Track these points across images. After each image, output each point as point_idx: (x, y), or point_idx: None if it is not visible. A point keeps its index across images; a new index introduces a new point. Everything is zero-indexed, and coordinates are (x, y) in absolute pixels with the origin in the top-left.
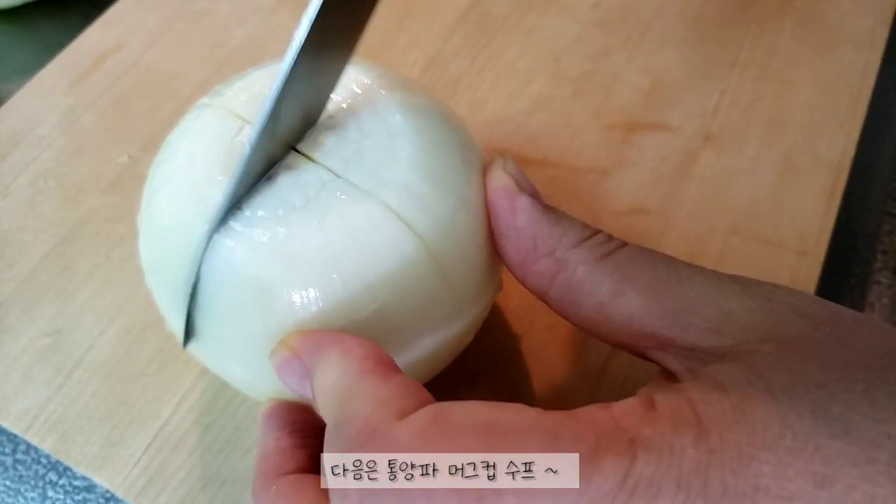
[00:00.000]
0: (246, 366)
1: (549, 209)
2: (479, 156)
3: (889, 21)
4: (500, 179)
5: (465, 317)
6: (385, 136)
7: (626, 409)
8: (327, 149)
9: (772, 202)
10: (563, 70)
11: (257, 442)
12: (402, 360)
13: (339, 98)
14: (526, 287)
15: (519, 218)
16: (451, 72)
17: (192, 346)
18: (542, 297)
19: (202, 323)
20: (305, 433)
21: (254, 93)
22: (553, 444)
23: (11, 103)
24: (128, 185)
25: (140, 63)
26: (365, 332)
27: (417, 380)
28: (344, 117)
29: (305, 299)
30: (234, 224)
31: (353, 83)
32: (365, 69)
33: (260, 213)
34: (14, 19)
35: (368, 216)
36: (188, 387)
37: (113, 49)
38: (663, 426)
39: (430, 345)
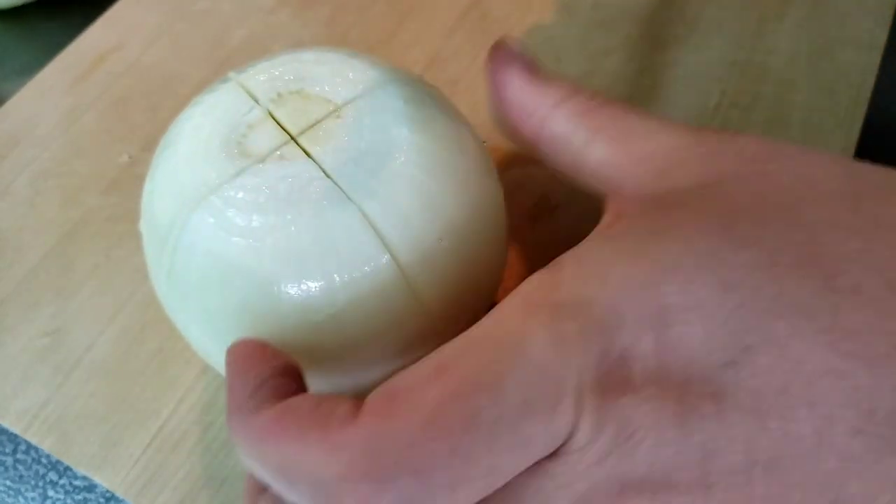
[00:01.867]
0: (209, 338)
1: (539, 74)
2: (487, 180)
3: (889, 21)
4: (498, 48)
5: (445, 337)
6: (386, 146)
7: (532, 284)
8: (326, 146)
9: None
10: (563, 70)
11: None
12: (367, 378)
13: (354, 95)
14: (519, 145)
15: (509, 89)
16: (451, 72)
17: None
18: (532, 153)
19: (176, 284)
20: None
21: (272, 75)
22: (494, 344)
23: (11, 103)
24: (128, 185)
25: (140, 63)
26: (320, 336)
27: None
28: (352, 117)
29: (264, 289)
30: (215, 199)
31: (375, 84)
32: (394, 74)
33: (241, 195)
34: (14, 19)
35: (344, 222)
36: (188, 386)
37: (113, 49)
38: (568, 283)
39: (400, 366)
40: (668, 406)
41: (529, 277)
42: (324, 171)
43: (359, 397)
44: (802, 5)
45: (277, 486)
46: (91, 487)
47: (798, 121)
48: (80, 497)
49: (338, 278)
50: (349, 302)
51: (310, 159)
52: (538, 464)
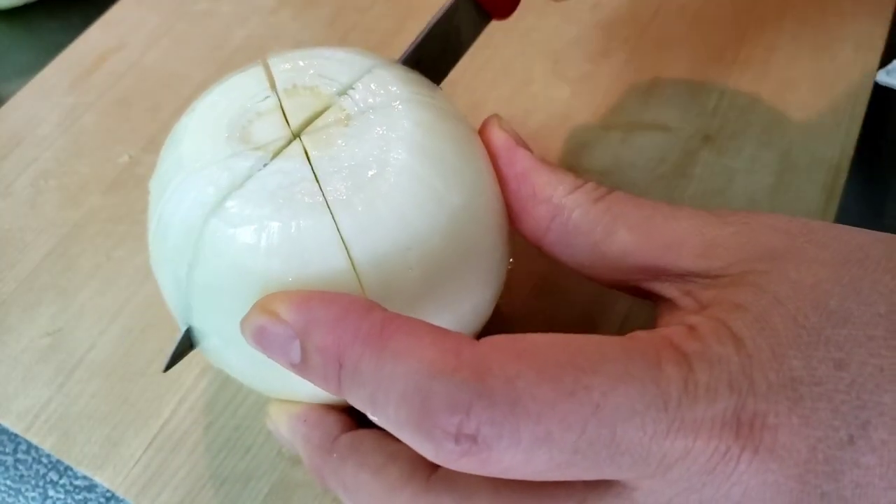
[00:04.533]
0: (173, 300)
1: (544, 161)
2: (483, 221)
3: (888, 21)
4: (498, 135)
5: None
6: (380, 166)
7: (672, 332)
8: (325, 151)
9: (771, 202)
10: (562, 70)
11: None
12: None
13: (367, 106)
14: (523, 233)
15: (518, 167)
16: (451, 72)
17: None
18: (539, 241)
19: (155, 245)
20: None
21: (298, 67)
22: (625, 355)
23: (12, 103)
24: (128, 185)
25: (141, 63)
26: None
27: None
28: (358, 128)
29: (231, 270)
30: (202, 174)
31: (392, 99)
32: (416, 94)
33: (225, 175)
34: (14, 19)
35: (317, 229)
36: (189, 386)
37: (114, 49)
38: (708, 340)
39: None
40: (789, 484)
41: (670, 327)
42: (315, 175)
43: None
44: (802, 5)
45: (371, 390)
46: (92, 487)
47: (797, 121)
48: (80, 497)
49: (291, 280)
50: None
51: (306, 160)
52: (624, 486)
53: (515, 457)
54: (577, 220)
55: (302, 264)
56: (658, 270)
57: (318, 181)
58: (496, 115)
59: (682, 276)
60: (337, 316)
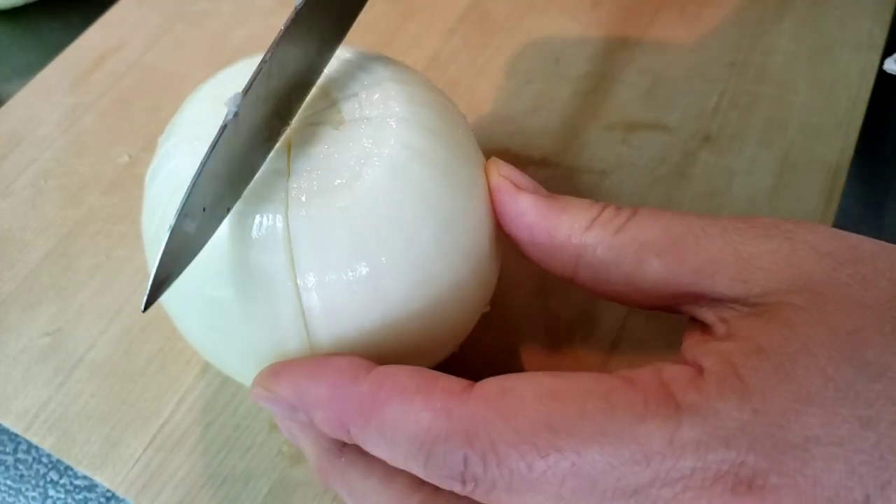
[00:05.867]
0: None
1: (552, 199)
2: (453, 260)
3: (888, 22)
4: (496, 184)
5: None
6: (350, 175)
7: (675, 376)
8: (310, 149)
9: (770, 203)
10: (562, 70)
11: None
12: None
13: (364, 116)
14: (553, 274)
15: (526, 217)
16: (451, 72)
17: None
18: (571, 281)
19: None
20: None
21: None
22: (606, 411)
23: (12, 103)
24: (128, 185)
25: (141, 63)
26: (212, 336)
27: None
28: (348, 136)
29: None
30: (189, 140)
31: (393, 117)
32: (424, 117)
33: (201, 147)
34: (15, 19)
35: (263, 222)
36: (188, 386)
37: (114, 49)
38: (708, 391)
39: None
40: None
41: (678, 367)
42: (288, 171)
43: None
44: (802, 6)
45: (381, 444)
46: (92, 487)
47: (797, 121)
48: (80, 496)
49: (229, 267)
50: (235, 309)
51: (285, 154)
52: None
53: (511, 500)
54: (602, 256)
55: (242, 252)
56: (695, 296)
57: (289, 176)
58: (494, 160)
59: (719, 301)
60: (329, 394)
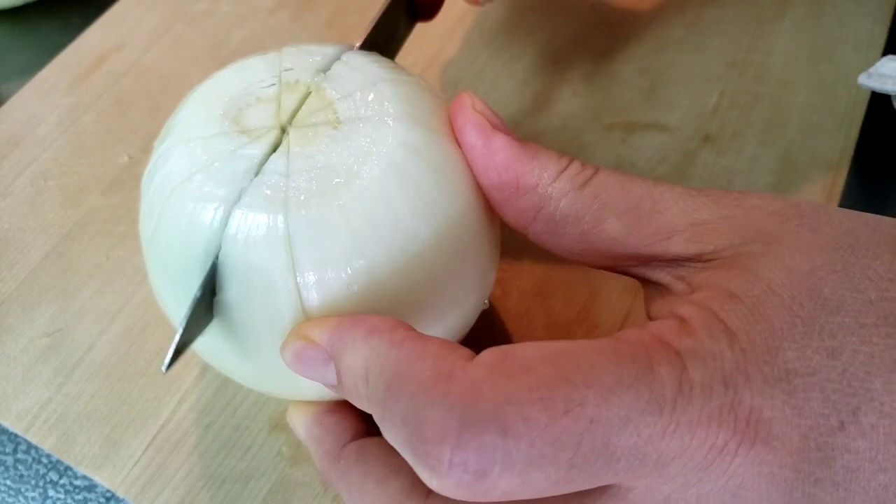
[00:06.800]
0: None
1: (524, 144)
2: (450, 261)
3: (888, 21)
4: (471, 118)
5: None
6: (348, 174)
7: (663, 327)
8: (308, 149)
9: None
10: (562, 70)
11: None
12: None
13: (360, 116)
14: (507, 221)
15: (498, 157)
16: (451, 72)
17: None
18: (523, 230)
19: (142, 196)
20: (343, 404)
21: (309, 63)
22: (616, 361)
23: (12, 103)
24: (128, 185)
25: (140, 63)
26: (212, 334)
27: None
28: (345, 136)
29: (167, 256)
30: (188, 143)
31: (389, 117)
32: (420, 120)
33: (199, 149)
34: (14, 19)
35: (264, 222)
36: (188, 386)
37: (113, 49)
38: (700, 335)
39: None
40: (783, 473)
41: (661, 321)
42: (287, 171)
43: None
44: (801, 6)
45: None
46: (92, 487)
47: (797, 121)
48: (80, 497)
49: (230, 265)
50: (238, 301)
51: (285, 153)
52: (620, 487)
53: (511, 481)
54: (564, 209)
55: (242, 252)
56: (648, 257)
57: (287, 176)
58: (468, 93)
59: (673, 261)
60: (364, 334)
